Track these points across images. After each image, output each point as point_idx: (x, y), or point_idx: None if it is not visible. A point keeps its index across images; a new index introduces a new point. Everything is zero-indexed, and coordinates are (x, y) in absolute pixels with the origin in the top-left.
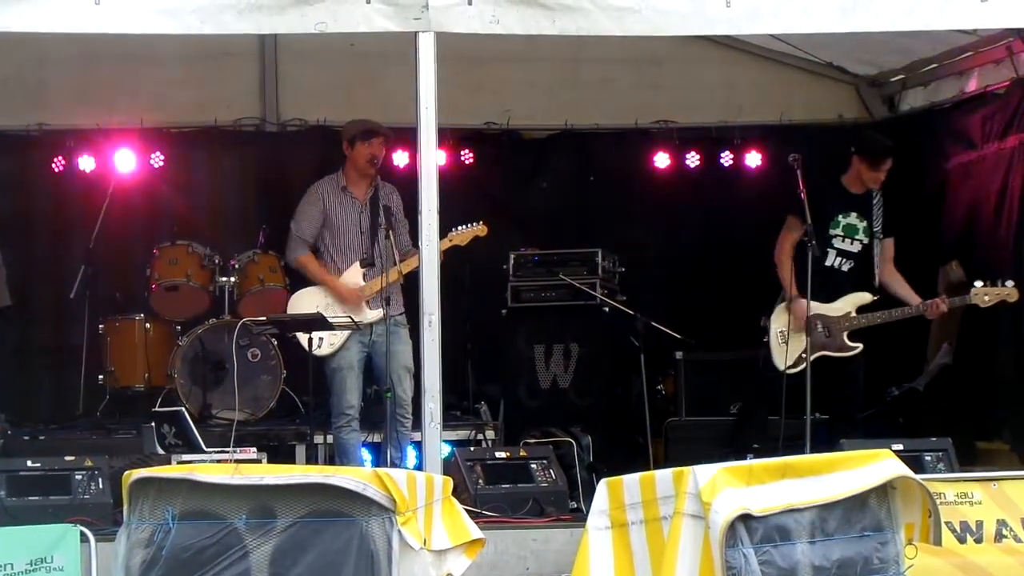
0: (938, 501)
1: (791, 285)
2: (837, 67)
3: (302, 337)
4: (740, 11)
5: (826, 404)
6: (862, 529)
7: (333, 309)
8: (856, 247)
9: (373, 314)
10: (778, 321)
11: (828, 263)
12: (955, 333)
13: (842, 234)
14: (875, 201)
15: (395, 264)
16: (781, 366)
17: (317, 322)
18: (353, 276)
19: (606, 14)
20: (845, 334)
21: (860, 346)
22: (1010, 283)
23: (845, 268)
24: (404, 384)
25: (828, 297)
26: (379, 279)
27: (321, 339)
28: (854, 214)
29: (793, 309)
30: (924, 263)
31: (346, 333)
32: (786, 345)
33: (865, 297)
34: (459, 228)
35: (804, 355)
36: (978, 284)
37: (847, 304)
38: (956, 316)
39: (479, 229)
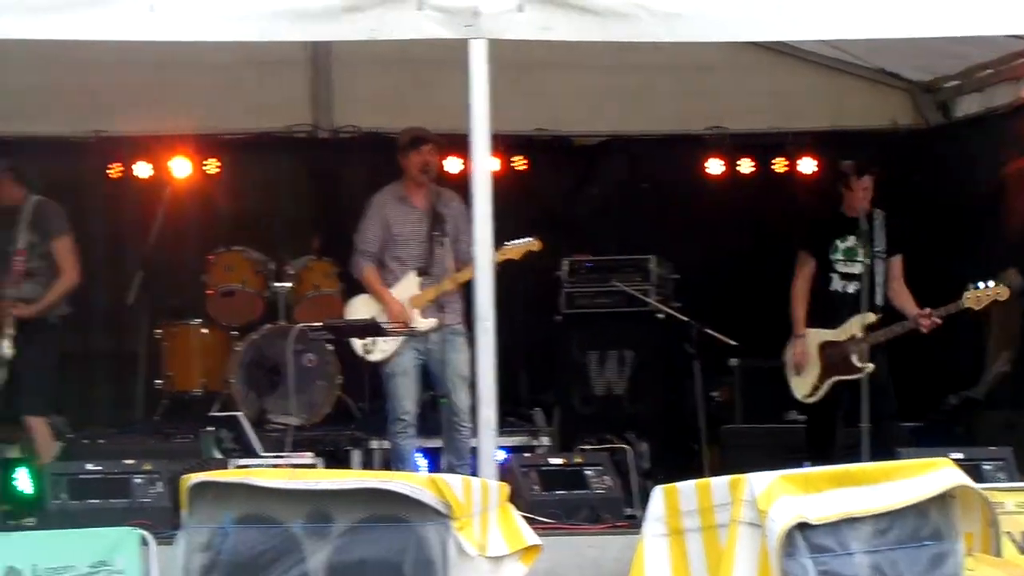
0: (998, 511)
1: (797, 322)
2: (891, 73)
3: (355, 342)
4: (792, 16)
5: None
6: (921, 539)
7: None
8: (858, 268)
9: (426, 323)
10: (790, 355)
11: (832, 288)
12: (1015, 341)
13: (843, 258)
14: (876, 222)
15: (449, 273)
16: (799, 396)
17: (371, 328)
18: (408, 286)
19: (656, 20)
20: (853, 356)
21: (870, 366)
22: (1003, 283)
23: (851, 290)
24: (459, 392)
25: (835, 322)
26: (432, 289)
27: (374, 344)
28: (852, 237)
29: (794, 346)
30: (978, 271)
31: (399, 341)
32: (799, 376)
33: (869, 317)
34: (512, 242)
35: (817, 384)
36: (971, 287)
37: (851, 327)
38: (1015, 324)
39: (533, 244)
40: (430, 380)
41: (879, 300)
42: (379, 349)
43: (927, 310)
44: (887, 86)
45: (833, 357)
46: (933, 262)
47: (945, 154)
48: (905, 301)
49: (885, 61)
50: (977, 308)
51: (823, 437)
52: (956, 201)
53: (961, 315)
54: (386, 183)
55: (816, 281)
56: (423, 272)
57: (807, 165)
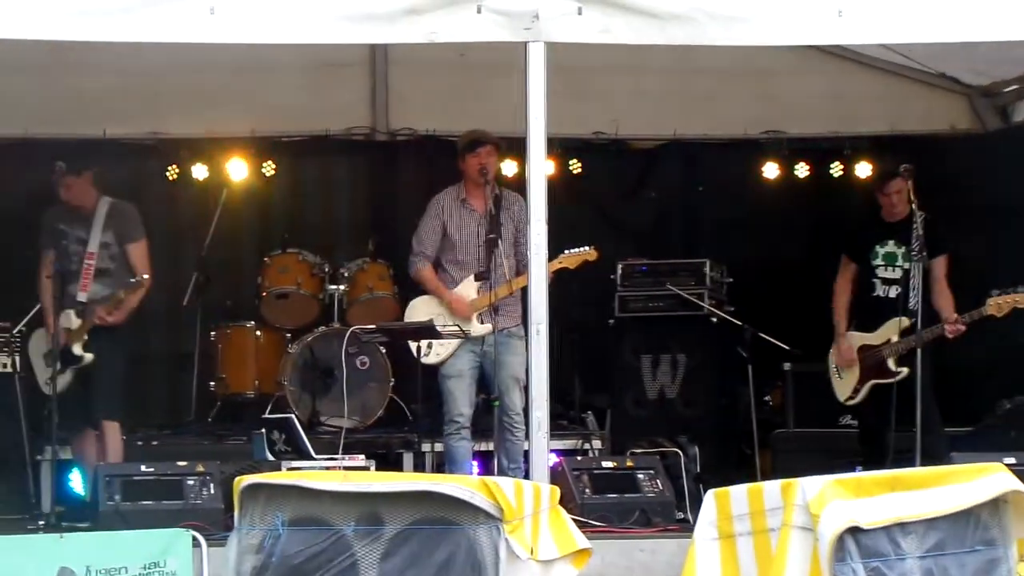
0: None
1: (839, 324)
2: (950, 77)
3: (412, 344)
4: (851, 20)
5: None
6: (973, 544)
7: (445, 318)
8: (898, 273)
9: (482, 328)
10: (832, 359)
11: (875, 294)
12: None
13: (883, 263)
14: (915, 224)
15: (506, 276)
16: (841, 399)
17: (426, 330)
18: (467, 289)
19: (715, 23)
20: (890, 360)
21: (905, 370)
22: (1022, 288)
23: (892, 295)
24: (512, 395)
25: (876, 326)
26: (488, 294)
27: (429, 347)
28: (891, 242)
29: (836, 348)
30: None
31: (455, 343)
32: (841, 379)
33: (903, 321)
34: (569, 251)
35: (857, 387)
36: (994, 293)
37: (887, 331)
38: None
39: (589, 253)
40: (484, 382)
41: (913, 304)
42: (434, 352)
43: (955, 316)
44: (945, 90)
45: (870, 361)
46: (988, 267)
47: (1003, 159)
48: (944, 304)
49: (944, 65)
50: (999, 315)
51: (873, 441)
52: (1014, 205)
53: (1016, 318)
54: (441, 186)
55: (859, 286)
56: (481, 276)
57: (864, 170)
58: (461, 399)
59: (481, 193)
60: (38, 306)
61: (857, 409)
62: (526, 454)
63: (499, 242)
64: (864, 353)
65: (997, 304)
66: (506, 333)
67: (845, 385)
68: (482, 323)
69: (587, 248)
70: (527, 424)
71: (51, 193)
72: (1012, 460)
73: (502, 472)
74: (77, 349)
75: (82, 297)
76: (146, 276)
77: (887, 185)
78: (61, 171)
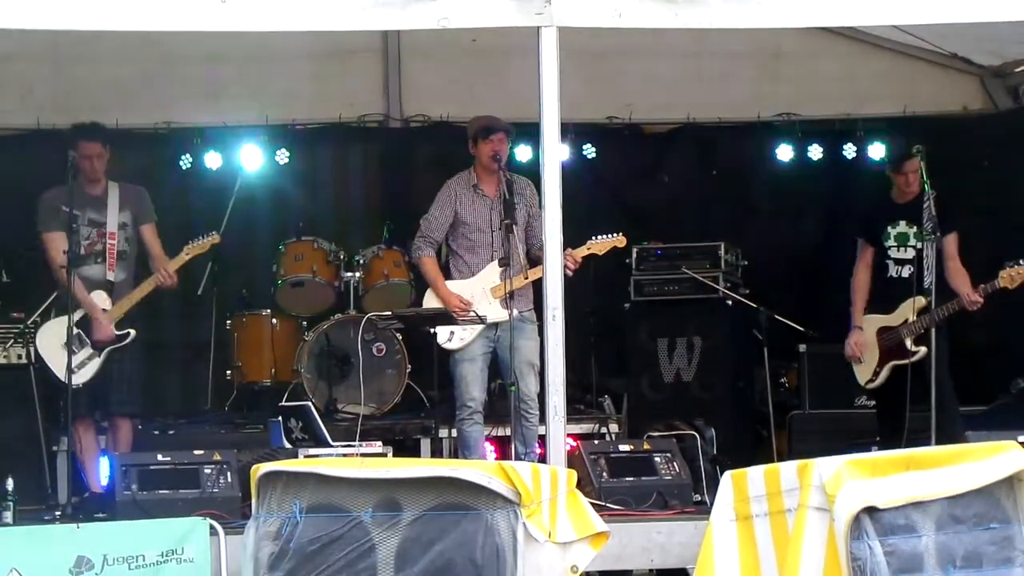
0: None
1: (856, 313)
2: (962, 58)
3: (439, 332)
4: (863, 2)
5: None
6: (988, 522)
7: (475, 304)
8: (911, 253)
9: (499, 313)
10: (847, 348)
11: (889, 275)
12: None
13: (896, 244)
14: (925, 204)
15: (520, 260)
16: (862, 382)
17: (442, 316)
18: (490, 275)
19: (728, 6)
20: (908, 340)
21: (923, 349)
22: None
23: (906, 275)
24: (528, 379)
25: (892, 307)
26: (506, 283)
27: (452, 333)
28: (903, 222)
29: (851, 338)
30: None
31: (476, 329)
32: (861, 363)
33: (920, 301)
34: (599, 237)
35: (877, 369)
36: (1007, 265)
37: (905, 311)
38: None
39: (618, 240)
40: (499, 368)
41: (927, 283)
42: (457, 337)
43: (977, 288)
44: (958, 71)
45: (889, 342)
46: (1001, 246)
47: (1015, 138)
48: (961, 281)
49: (955, 46)
50: (1011, 287)
51: (891, 422)
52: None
53: None
54: (455, 171)
55: (874, 268)
56: (504, 262)
57: (877, 151)
58: (473, 384)
59: (493, 179)
60: (55, 294)
61: (876, 390)
62: (541, 439)
63: (514, 228)
64: (883, 335)
65: (1010, 275)
66: (519, 318)
67: (866, 368)
68: (503, 308)
69: (616, 235)
70: (543, 409)
71: (58, 177)
72: None
73: (517, 457)
74: (114, 329)
75: (111, 277)
76: (215, 233)
77: (904, 165)
78: (89, 142)
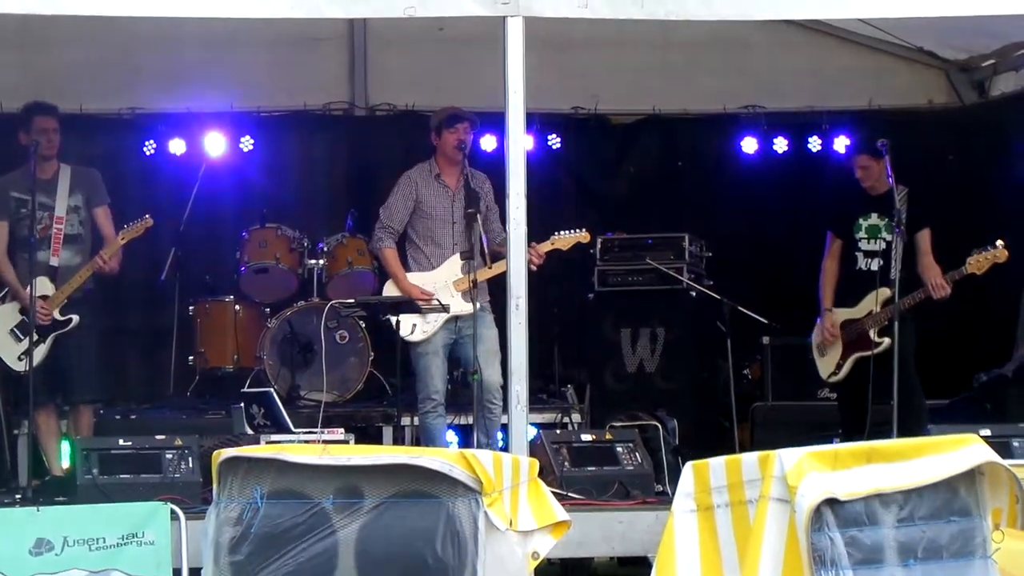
0: None
1: (824, 300)
2: (927, 52)
3: (401, 323)
4: None
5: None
6: (949, 514)
7: (437, 296)
8: (881, 245)
9: (461, 306)
10: (816, 336)
11: (858, 267)
12: None
13: (866, 236)
14: (899, 197)
15: (483, 253)
16: (824, 376)
17: (405, 305)
18: (452, 268)
19: None
20: (872, 331)
21: (887, 341)
22: (999, 243)
23: (875, 267)
24: (491, 369)
25: (856, 300)
26: (469, 276)
27: (414, 325)
28: (875, 214)
29: (820, 325)
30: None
31: (439, 321)
32: (824, 357)
33: (884, 292)
34: (563, 233)
35: (840, 362)
36: (973, 252)
37: (869, 303)
38: None
39: (582, 236)
40: (460, 359)
41: (894, 274)
42: (419, 330)
43: (944, 276)
44: (923, 65)
45: (852, 334)
46: (967, 240)
47: (980, 133)
48: (934, 274)
49: (921, 40)
50: (979, 272)
51: (854, 414)
52: (990, 179)
53: (993, 293)
54: (419, 161)
55: (843, 261)
56: (466, 255)
57: (842, 144)
58: (437, 376)
59: (455, 170)
60: (6, 290)
61: (838, 382)
62: (504, 428)
63: (478, 217)
64: (846, 328)
65: (977, 262)
66: (480, 308)
67: (828, 362)
68: (465, 301)
69: (580, 231)
70: (505, 398)
71: (18, 163)
72: (988, 432)
73: (479, 447)
74: (57, 314)
75: (54, 262)
76: (148, 216)
77: (853, 159)
78: (44, 117)
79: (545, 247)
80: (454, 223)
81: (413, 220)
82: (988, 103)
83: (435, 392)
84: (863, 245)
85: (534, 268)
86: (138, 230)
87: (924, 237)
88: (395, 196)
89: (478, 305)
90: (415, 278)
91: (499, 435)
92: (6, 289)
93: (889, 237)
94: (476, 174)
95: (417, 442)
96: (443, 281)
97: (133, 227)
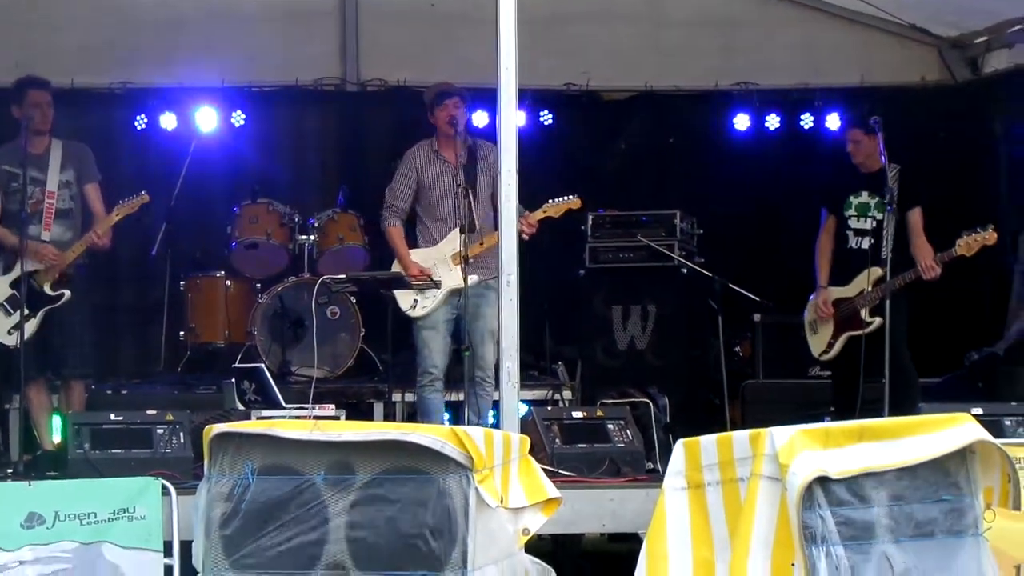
0: (1017, 466)
1: (820, 275)
2: (920, 28)
3: (400, 299)
4: None
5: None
6: (940, 493)
7: (434, 271)
8: (871, 224)
9: (460, 280)
10: (809, 313)
11: (848, 245)
12: None
13: (856, 214)
14: (891, 175)
15: (477, 227)
16: (815, 354)
17: (396, 281)
18: (452, 242)
19: None
20: (864, 311)
21: (878, 320)
22: (990, 227)
23: (865, 246)
24: (486, 347)
25: (847, 279)
26: (465, 250)
27: (415, 300)
28: (865, 192)
29: (815, 301)
30: (1004, 227)
31: (439, 297)
32: (816, 335)
33: (876, 271)
34: (554, 200)
35: (831, 341)
36: (963, 234)
37: (860, 282)
38: None
39: (572, 202)
40: (459, 335)
41: (885, 253)
42: (420, 306)
43: (934, 257)
44: (916, 42)
45: (844, 313)
46: (958, 218)
47: (973, 110)
48: (925, 255)
49: (914, 16)
50: (969, 254)
51: (845, 393)
52: (982, 156)
53: (984, 271)
54: (412, 136)
55: (836, 239)
56: (465, 229)
57: (834, 121)
58: (436, 351)
59: (453, 145)
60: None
61: (830, 361)
62: (495, 405)
63: (470, 192)
64: (838, 306)
65: (967, 243)
66: (484, 285)
67: (819, 340)
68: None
69: (571, 197)
70: (497, 376)
71: (10, 137)
72: (979, 410)
73: (470, 424)
74: (48, 289)
75: (45, 237)
76: (144, 193)
77: (846, 134)
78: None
79: (537, 215)
80: (455, 198)
81: (418, 196)
82: (980, 80)
83: (432, 366)
84: (853, 223)
85: (526, 237)
86: (133, 206)
87: (915, 216)
88: (397, 175)
89: (475, 279)
90: (418, 254)
91: (490, 413)
92: None
93: (879, 216)
94: (483, 144)
95: (409, 418)
96: (442, 256)
97: (128, 203)
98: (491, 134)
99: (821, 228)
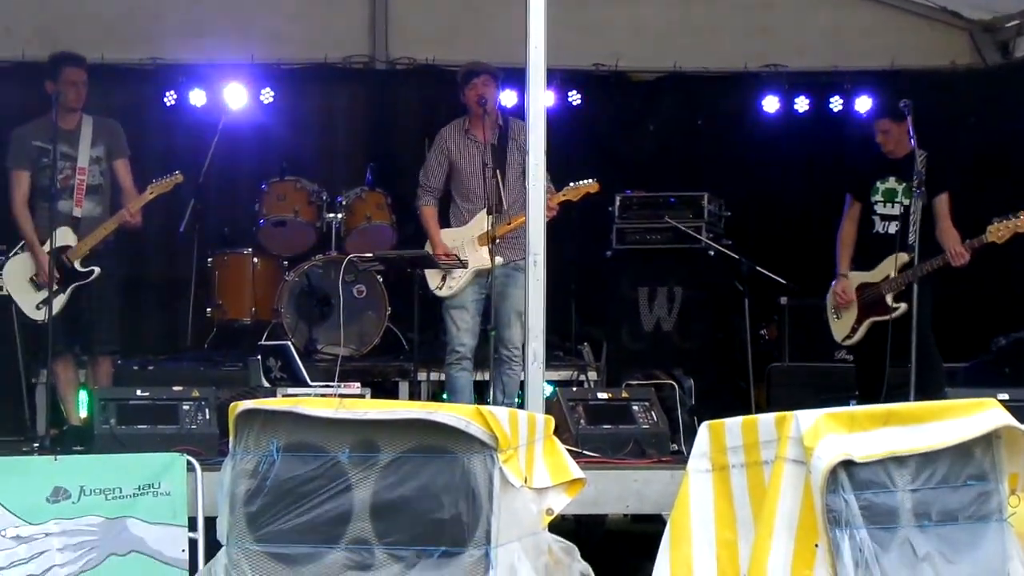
0: None
1: (840, 262)
2: (951, 12)
3: (429, 278)
4: None
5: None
6: (965, 478)
7: (461, 251)
8: (898, 209)
9: (484, 260)
10: (830, 300)
11: (875, 230)
12: None
13: (882, 199)
14: (918, 161)
15: (505, 207)
16: (838, 339)
17: (422, 259)
18: (480, 223)
19: None
20: (889, 296)
21: (903, 306)
22: (1021, 213)
23: (892, 231)
24: (513, 328)
25: (873, 264)
26: (491, 230)
27: (443, 280)
28: (892, 178)
29: (836, 287)
30: None
31: (466, 277)
32: (839, 320)
33: (903, 257)
34: (572, 184)
35: (854, 326)
36: (994, 221)
37: (886, 267)
38: None
39: (591, 186)
40: (487, 313)
41: (912, 239)
42: (447, 285)
43: (964, 244)
44: (947, 25)
45: (868, 298)
46: (989, 203)
47: (1004, 94)
48: (952, 241)
49: (945, 0)
50: (1000, 241)
51: (870, 377)
52: (1014, 142)
53: (1012, 256)
54: (439, 115)
55: (860, 224)
56: (492, 210)
57: (863, 105)
58: (464, 330)
59: (483, 124)
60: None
61: (854, 346)
62: (521, 385)
63: (498, 172)
64: (862, 291)
65: (998, 230)
66: (512, 266)
67: (843, 325)
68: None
69: (590, 181)
70: (523, 356)
71: (42, 112)
72: (1006, 396)
73: (496, 404)
74: (79, 265)
75: (77, 213)
76: (178, 173)
77: (875, 123)
78: (74, 68)
79: (557, 199)
80: (485, 178)
81: (451, 176)
82: (1011, 64)
83: (460, 345)
84: (879, 209)
85: (547, 218)
86: (167, 186)
87: (943, 201)
88: (430, 155)
89: (507, 261)
90: (448, 234)
91: (517, 392)
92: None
93: (906, 201)
94: (515, 122)
95: (434, 397)
96: (470, 236)
97: (162, 182)
98: (520, 114)
99: (845, 214)
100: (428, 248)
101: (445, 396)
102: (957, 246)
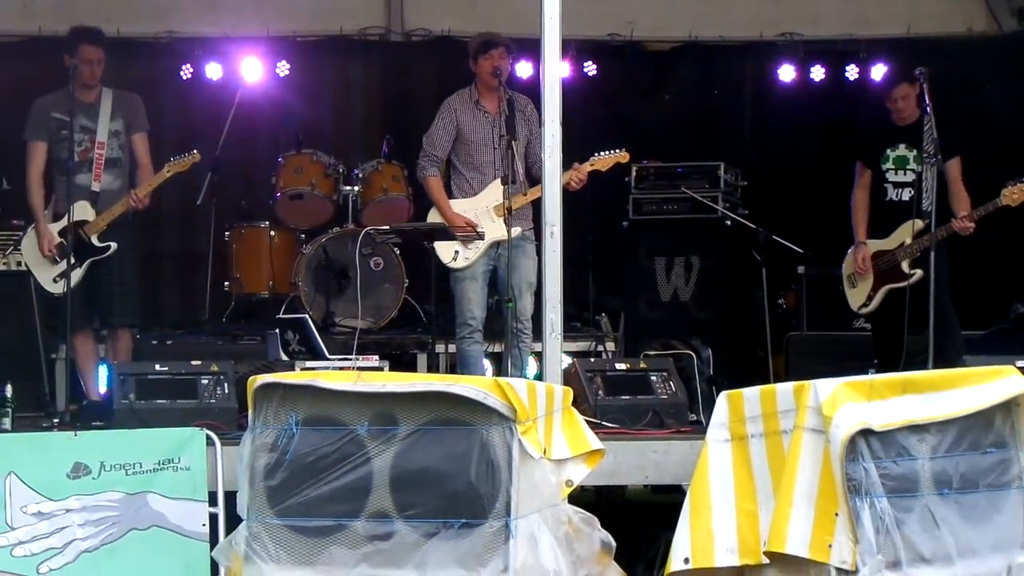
0: None
1: (857, 229)
2: None
3: (441, 250)
4: None
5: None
6: (985, 446)
7: (478, 223)
8: (910, 176)
9: (501, 232)
10: (847, 267)
11: (888, 198)
12: None
13: (894, 167)
14: (926, 127)
15: (520, 178)
16: (855, 307)
17: (439, 232)
18: (494, 193)
19: None
20: (904, 263)
21: (919, 272)
22: None
23: (905, 198)
24: (525, 299)
25: (887, 231)
26: (508, 201)
27: (456, 252)
28: (902, 145)
29: (853, 255)
30: None
31: (479, 248)
32: (854, 288)
33: (917, 223)
34: (601, 153)
35: (870, 294)
36: (1008, 184)
37: (901, 234)
38: None
39: (621, 156)
40: (497, 286)
41: (926, 206)
42: (462, 256)
43: (974, 210)
44: None
45: (884, 266)
46: (1005, 169)
47: (1020, 60)
48: (961, 206)
49: None
50: (1014, 205)
51: (888, 346)
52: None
53: None
54: (455, 87)
55: (872, 192)
56: (507, 180)
57: (880, 72)
58: (474, 301)
59: (494, 96)
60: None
61: (871, 314)
62: (536, 356)
63: (513, 143)
64: (878, 259)
65: (1012, 194)
66: (521, 236)
67: (859, 293)
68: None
69: (619, 151)
70: (540, 326)
71: (58, 85)
72: None
73: (509, 376)
74: (96, 240)
75: (96, 187)
76: (196, 152)
77: (893, 91)
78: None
79: (586, 168)
80: (495, 148)
81: (456, 146)
82: None
83: (471, 318)
84: (891, 176)
85: (576, 188)
86: (184, 164)
87: (954, 166)
88: (436, 124)
89: (517, 231)
90: (458, 204)
91: (531, 362)
92: (46, 210)
93: (918, 168)
94: (519, 97)
95: (452, 369)
96: (484, 207)
97: (180, 161)
98: (535, 85)
99: (856, 182)
100: (431, 218)
101: (459, 370)
102: (965, 214)
